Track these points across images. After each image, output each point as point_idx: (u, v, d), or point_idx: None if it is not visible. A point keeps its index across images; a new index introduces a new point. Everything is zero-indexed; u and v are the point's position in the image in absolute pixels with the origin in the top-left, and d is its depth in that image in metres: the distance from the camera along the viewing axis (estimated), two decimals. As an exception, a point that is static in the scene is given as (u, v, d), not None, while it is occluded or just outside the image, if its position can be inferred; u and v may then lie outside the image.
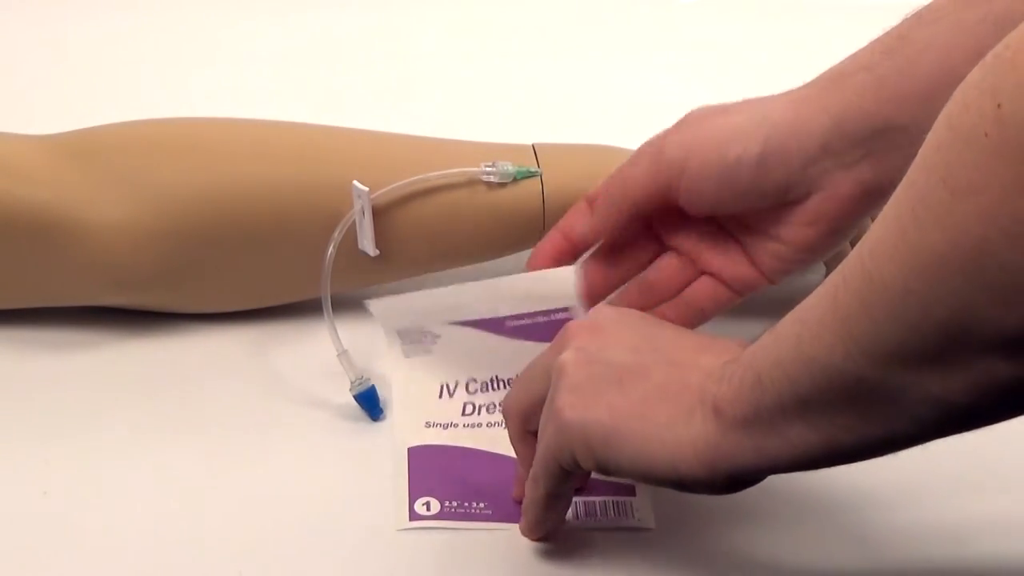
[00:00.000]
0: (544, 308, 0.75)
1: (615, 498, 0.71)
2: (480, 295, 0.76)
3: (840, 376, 0.52)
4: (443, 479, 0.73)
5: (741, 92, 0.72)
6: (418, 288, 0.78)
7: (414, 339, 0.78)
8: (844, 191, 0.69)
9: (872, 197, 0.68)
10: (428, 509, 0.71)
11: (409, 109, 0.99)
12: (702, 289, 0.74)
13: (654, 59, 1.18)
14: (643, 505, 0.71)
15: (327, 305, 0.77)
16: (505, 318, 0.76)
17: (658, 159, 0.71)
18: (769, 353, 0.56)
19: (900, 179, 0.50)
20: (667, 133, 0.71)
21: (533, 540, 0.68)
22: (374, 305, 0.76)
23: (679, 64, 1.18)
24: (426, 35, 1.10)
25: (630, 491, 0.72)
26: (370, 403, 0.77)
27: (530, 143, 0.82)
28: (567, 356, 0.64)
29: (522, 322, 0.76)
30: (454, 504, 0.71)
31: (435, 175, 0.80)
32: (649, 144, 0.72)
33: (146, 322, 0.83)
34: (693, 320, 0.74)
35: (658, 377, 0.61)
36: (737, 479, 0.60)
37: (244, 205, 0.80)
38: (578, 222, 0.75)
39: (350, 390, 0.77)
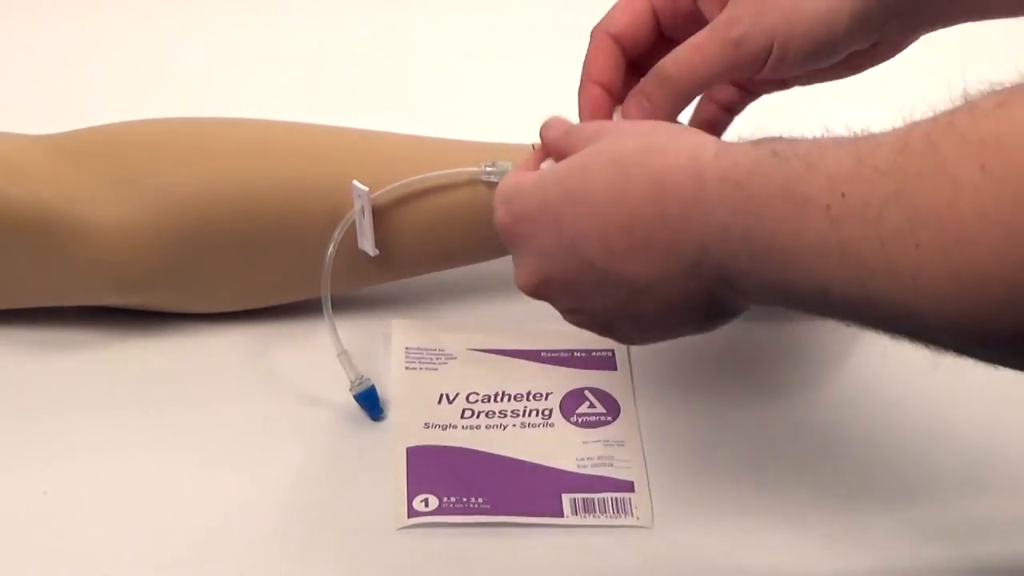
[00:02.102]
0: (587, 348, 0.79)
1: (614, 495, 0.71)
2: (516, 332, 0.80)
3: None
4: (441, 475, 0.73)
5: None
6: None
7: (424, 359, 0.80)
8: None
9: None
10: (427, 505, 0.71)
11: (409, 109, 0.99)
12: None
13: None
14: (642, 503, 0.71)
15: (327, 305, 0.77)
16: (541, 351, 0.79)
17: (735, 52, 0.67)
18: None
19: None
20: (736, 12, 0.68)
21: None
22: (398, 325, 0.81)
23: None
24: (426, 35, 1.10)
25: (629, 487, 0.72)
26: (370, 403, 0.77)
27: (530, 143, 0.82)
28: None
29: (560, 355, 0.79)
30: (452, 500, 0.71)
31: (435, 175, 0.80)
32: (716, 32, 0.68)
33: (146, 322, 0.83)
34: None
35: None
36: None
37: (244, 205, 0.80)
38: (608, 68, 0.73)
39: (350, 390, 0.77)
